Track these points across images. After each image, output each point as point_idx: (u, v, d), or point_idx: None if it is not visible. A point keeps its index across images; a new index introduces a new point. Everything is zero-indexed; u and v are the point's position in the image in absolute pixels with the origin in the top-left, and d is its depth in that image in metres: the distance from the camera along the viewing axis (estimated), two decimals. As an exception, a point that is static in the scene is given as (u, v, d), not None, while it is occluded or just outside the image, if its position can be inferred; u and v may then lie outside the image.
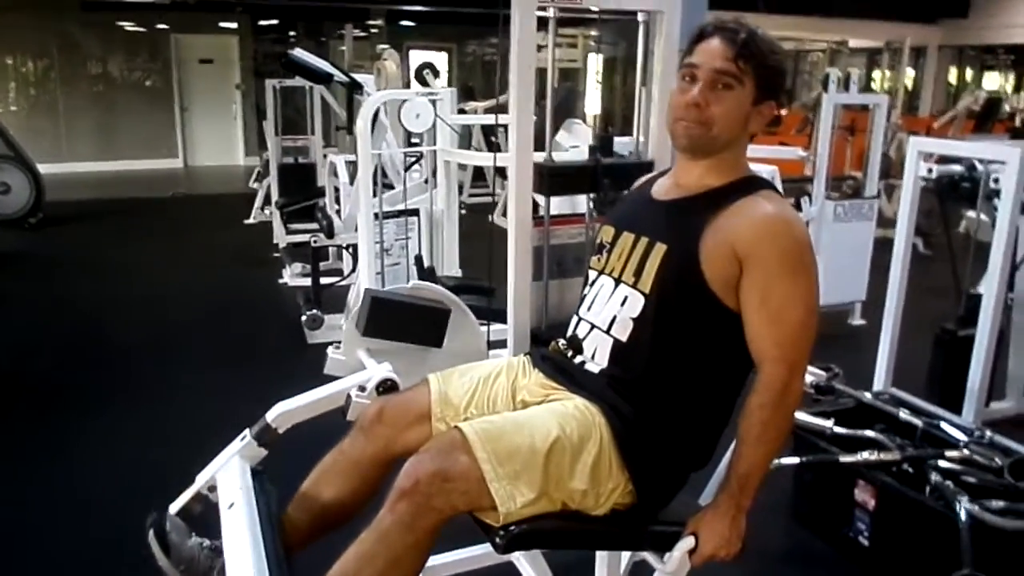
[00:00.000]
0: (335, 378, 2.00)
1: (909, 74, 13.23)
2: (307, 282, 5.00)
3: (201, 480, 1.81)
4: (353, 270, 4.50)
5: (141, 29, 11.84)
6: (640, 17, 2.19)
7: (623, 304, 1.58)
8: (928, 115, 12.78)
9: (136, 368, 4.19)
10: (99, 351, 4.46)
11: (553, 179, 2.20)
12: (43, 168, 8.12)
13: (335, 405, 1.89)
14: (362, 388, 1.83)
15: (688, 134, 1.55)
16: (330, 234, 4.50)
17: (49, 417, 3.59)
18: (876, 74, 12.83)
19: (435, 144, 4.04)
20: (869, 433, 2.54)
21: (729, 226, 1.49)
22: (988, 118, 8.57)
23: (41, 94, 11.62)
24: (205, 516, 1.76)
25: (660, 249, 1.55)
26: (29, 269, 6.46)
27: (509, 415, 1.58)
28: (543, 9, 2.05)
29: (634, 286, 1.57)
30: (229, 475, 1.78)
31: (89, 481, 3.02)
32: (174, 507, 1.78)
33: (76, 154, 11.42)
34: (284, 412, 1.84)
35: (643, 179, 1.84)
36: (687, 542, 1.48)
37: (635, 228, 1.63)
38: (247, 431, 1.84)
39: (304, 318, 4.42)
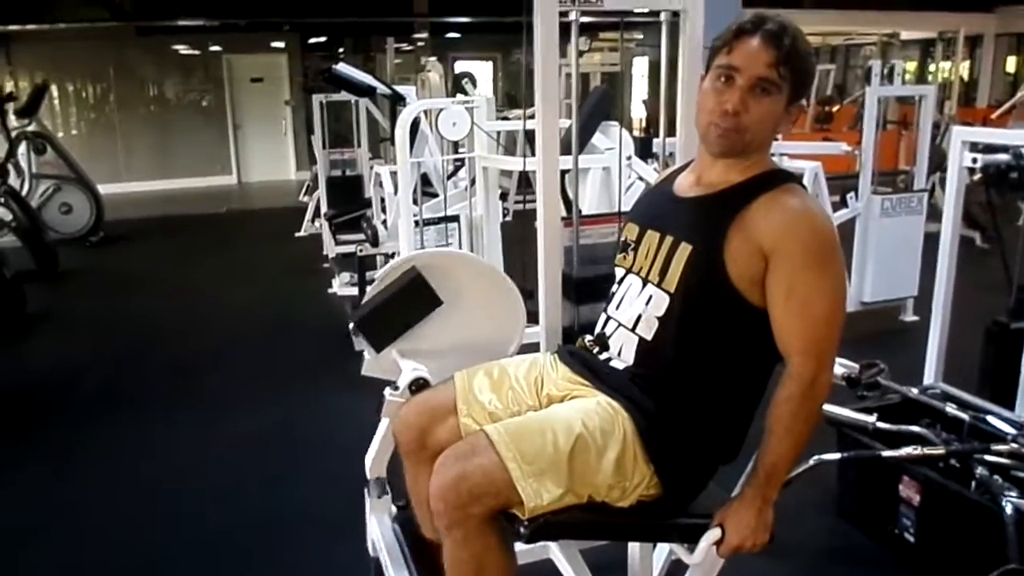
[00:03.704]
0: (377, 380, 2.05)
1: (965, 65, 12.89)
2: (355, 291, 5.09)
3: (370, 547, 2.12)
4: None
5: (194, 52, 12.20)
6: (663, 17, 2.19)
7: (648, 303, 1.59)
8: (986, 106, 12.43)
9: (189, 376, 4.32)
10: (155, 362, 4.61)
11: (580, 289, 2.27)
12: (103, 188, 8.42)
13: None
14: (395, 387, 1.87)
15: (722, 140, 1.53)
16: (375, 243, 4.58)
17: (104, 424, 3.73)
18: (933, 67, 12.52)
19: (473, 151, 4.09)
20: (913, 428, 2.49)
21: (754, 224, 1.48)
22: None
23: (100, 117, 12.03)
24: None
25: (685, 249, 1.54)
26: (90, 286, 6.69)
27: (533, 415, 1.60)
28: (564, 15, 2.06)
29: (659, 285, 1.57)
30: (373, 535, 2.10)
31: (140, 483, 3.13)
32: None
33: (134, 174, 11.79)
34: (373, 462, 2.14)
35: (664, 173, 1.85)
36: (713, 533, 1.48)
37: (659, 226, 1.62)
38: (366, 491, 2.13)
39: (351, 326, 4.50)
